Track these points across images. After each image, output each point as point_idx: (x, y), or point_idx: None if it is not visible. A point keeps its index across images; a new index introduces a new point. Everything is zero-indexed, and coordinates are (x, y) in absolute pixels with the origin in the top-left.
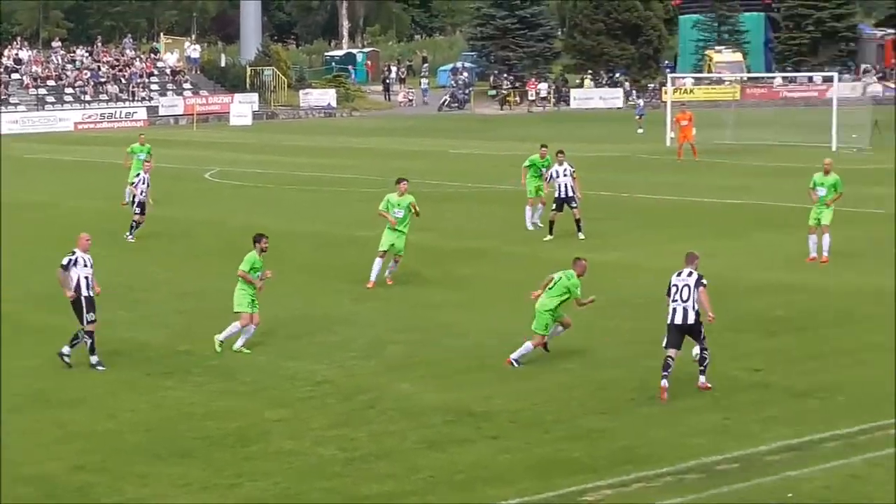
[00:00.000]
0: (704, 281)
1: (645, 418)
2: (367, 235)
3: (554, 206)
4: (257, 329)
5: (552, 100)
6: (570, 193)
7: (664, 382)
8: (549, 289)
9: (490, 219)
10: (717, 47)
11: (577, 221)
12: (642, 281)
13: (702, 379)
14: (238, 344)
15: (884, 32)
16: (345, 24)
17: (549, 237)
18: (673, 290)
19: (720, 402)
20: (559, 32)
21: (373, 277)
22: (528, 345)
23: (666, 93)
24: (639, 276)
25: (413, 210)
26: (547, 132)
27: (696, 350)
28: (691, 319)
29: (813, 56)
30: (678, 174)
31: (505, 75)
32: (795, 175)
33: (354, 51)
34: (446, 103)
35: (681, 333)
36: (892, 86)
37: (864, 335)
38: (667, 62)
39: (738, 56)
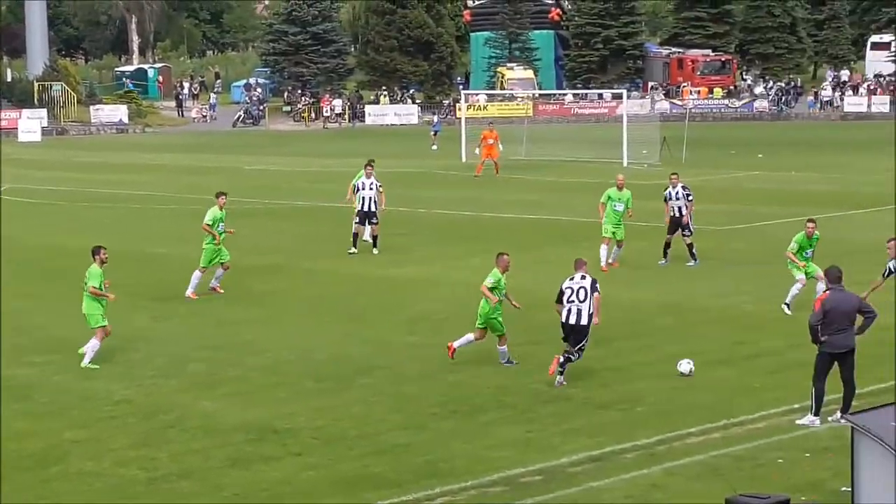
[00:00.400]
0: (598, 287)
1: (448, 432)
2: (165, 252)
3: (356, 219)
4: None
5: (347, 116)
6: (373, 208)
7: (557, 371)
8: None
9: (287, 235)
10: (508, 64)
11: (374, 238)
12: (441, 295)
13: (557, 372)
14: (85, 361)
15: (669, 51)
16: (134, 40)
17: (353, 250)
18: (568, 292)
19: (523, 415)
20: (352, 49)
21: (189, 291)
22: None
23: (460, 109)
24: (438, 291)
25: None
26: (343, 148)
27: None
28: (584, 321)
29: (602, 73)
30: (474, 189)
31: (299, 91)
32: (588, 190)
33: (146, 66)
34: (241, 119)
35: (573, 332)
36: (679, 103)
37: (659, 347)
38: (459, 78)
39: (530, 73)
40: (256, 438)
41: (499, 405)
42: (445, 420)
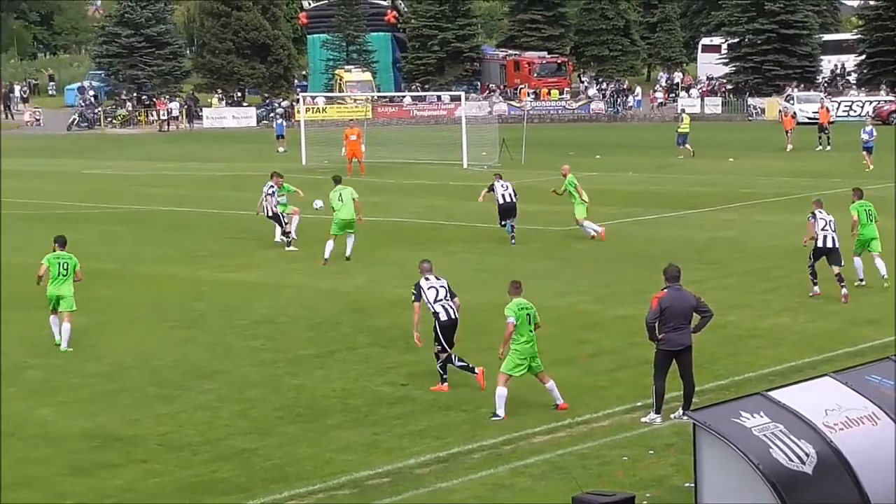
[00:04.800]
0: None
1: (293, 436)
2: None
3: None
4: None
5: (184, 119)
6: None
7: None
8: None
9: (124, 239)
10: (346, 66)
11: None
12: (283, 299)
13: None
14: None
15: (505, 53)
16: None
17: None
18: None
19: (368, 418)
20: (188, 51)
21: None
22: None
23: (299, 112)
24: (279, 294)
25: None
26: (180, 151)
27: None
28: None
29: (440, 75)
30: (311, 193)
31: (135, 94)
32: (428, 193)
33: None
34: (75, 122)
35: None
36: (517, 105)
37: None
38: (297, 81)
39: (368, 75)
40: (99, 446)
41: (344, 408)
42: (291, 424)
